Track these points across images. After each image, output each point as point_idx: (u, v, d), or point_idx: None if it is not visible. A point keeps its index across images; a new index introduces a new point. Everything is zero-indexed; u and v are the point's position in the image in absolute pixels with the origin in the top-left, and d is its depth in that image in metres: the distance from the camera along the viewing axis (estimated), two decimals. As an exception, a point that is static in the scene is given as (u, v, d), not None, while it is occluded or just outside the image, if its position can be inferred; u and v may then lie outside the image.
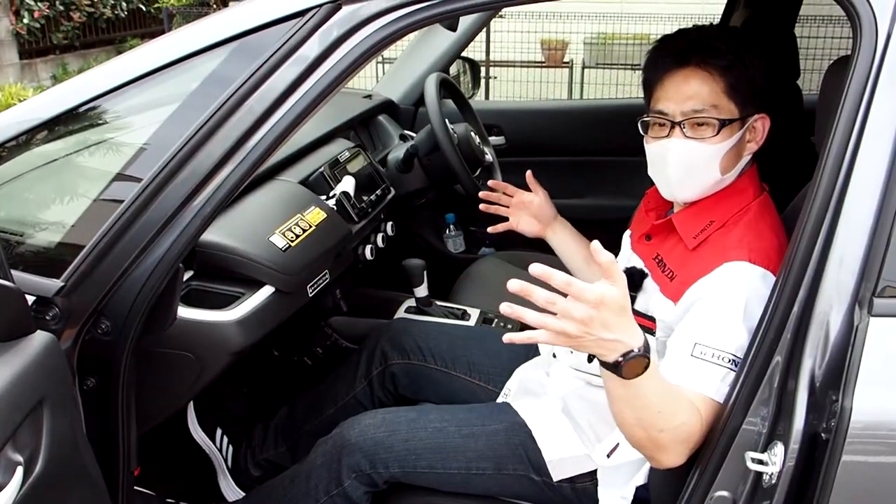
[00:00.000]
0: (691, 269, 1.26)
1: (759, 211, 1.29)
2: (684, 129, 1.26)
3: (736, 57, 1.24)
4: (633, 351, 1.02)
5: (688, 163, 1.28)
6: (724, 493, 1.10)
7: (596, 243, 1.01)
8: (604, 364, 1.05)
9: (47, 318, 1.08)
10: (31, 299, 1.07)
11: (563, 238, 1.70)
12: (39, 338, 0.97)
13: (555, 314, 0.99)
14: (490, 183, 1.75)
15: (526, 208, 1.70)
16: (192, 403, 1.79)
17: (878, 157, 1.01)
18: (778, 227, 1.28)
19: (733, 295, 1.18)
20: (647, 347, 1.04)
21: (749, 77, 1.25)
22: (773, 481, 1.02)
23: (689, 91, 1.25)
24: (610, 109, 2.90)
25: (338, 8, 1.13)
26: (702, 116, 1.25)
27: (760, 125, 1.29)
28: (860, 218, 1.01)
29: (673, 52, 1.27)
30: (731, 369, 1.15)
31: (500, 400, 1.60)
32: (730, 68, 1.24)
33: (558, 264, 2.35)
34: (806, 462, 1.00)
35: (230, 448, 1.81)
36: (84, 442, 1.08)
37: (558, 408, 1.47)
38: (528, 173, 1.70)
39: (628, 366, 1.03)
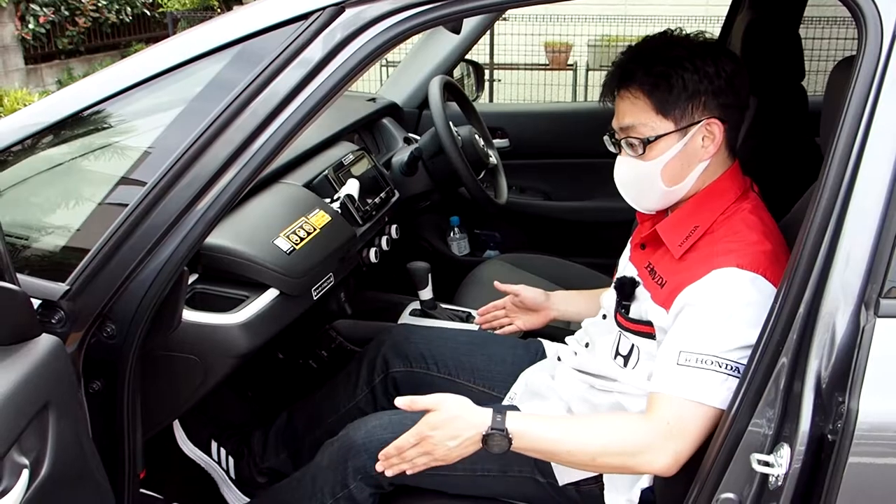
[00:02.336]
0: (681, 276, 1.26)
1: (748, 214, 1.28)
2: (623, 148, 1.32)
3: (658, 76, 1.26)
4: (484, 432, 1.21)
5: (629, 179, 1.35)
6: (730, 496, 1.09)
7: (399, 401, 1.25)
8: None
9: (53, 321, 1.08)
10: (36, 303, 1.07)
11: (564, 308, 1.73)
12: (45, 341, 0.98)
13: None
14: (478, 314, 1.79)
15: (520, 308, 1.73)
16: (176, 422, 1.78)
17: (884, 157, 1.01)
18: (769, 229, 1.27)
19: (719, 300, 1.19)
20: (496, 418, 1.22)
21: (677, 92, 1.25)
22: (780, 483, 1.01)
23: (622, 111, 1.31)
24: (613, 111, 2.90)
25: (341, 11, 1.14)
26: (631, 137, 1.29)
27: (716, 129, 1.27)
28: (866, 218, 1.01)
29: (608, 77, 1.33)
30: (718, 371, 1.17)
31: (506, 403, 1.60)
32: (652, 89, 1.26)
33: (562, 266, 2.37)
34: (812, 464, 1.00)
35: (230, 459, 1.80)
36: (89, 445, 1.08)
37: (563, 410, 1.47)
38: (496, 283, 1.76)
39: (493, 443, 1.21)
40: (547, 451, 1.25)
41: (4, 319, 0.93)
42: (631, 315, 1.36)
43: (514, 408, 1.52)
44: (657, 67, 1.26)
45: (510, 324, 1.73)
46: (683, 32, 1.33)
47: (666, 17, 6.27)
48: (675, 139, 1.27)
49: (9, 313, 0.93)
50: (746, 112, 1.32)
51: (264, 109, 1.14)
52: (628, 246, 1.51)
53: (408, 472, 1.28)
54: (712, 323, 1.19)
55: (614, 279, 1.45)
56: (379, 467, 1.29)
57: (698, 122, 1.26)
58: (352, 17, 1.13)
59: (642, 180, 1.32)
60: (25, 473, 0.90)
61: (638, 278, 1.38)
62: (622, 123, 1.31)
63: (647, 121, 1.27)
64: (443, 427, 1.23)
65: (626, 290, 1.37)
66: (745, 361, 1.14)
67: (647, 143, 1.28)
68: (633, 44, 1.35)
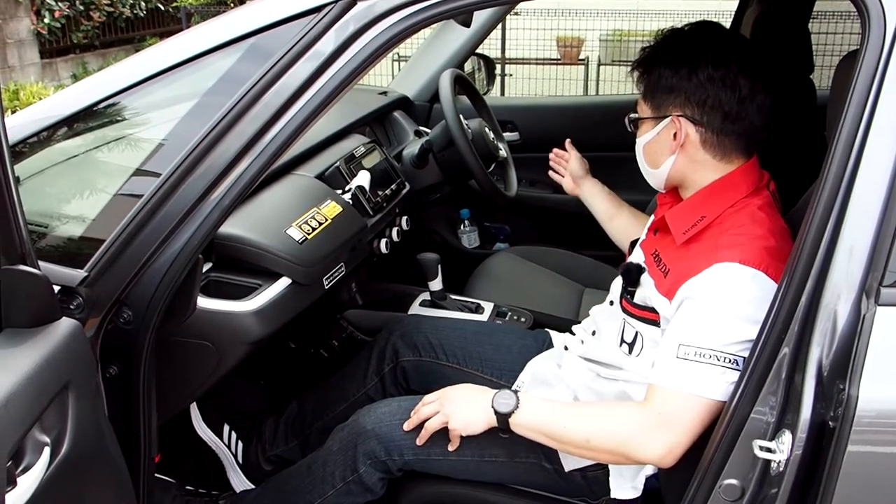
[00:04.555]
0: (684, 266, 1.28)
1: (756, 210, 1.29)
2: None
3: (646, 64, 1.37)
4: (493, 393, 1.35)
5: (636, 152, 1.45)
6: (733, 482, 1.11)
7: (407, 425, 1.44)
8: (501, 421, 1.34)
9: (72, 307, 1.10)
10: (56, 290, 1.09)
11: (590, 194, 1.87)
12: (65, 324, 1.00)
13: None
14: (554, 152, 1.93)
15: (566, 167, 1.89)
16: (194, 403, 1.82)
17: (886, 149, 1.02)
18: (776, 226, 1.28)
19: (719, 294, 1.21)
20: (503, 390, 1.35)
21: (654, 81, 1.35)
22: (781, 469, 1.03)
23: None
24: (624, 105, 2.91)
25: (353, 4, 1.15)
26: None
27: (688, 127, 1.32)
28: (868, 209, 1.02)
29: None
30: (716, 364, 1.19)
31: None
32: (642, 76, 1.39)
33: (571, 258, 2.38)
34: (813, 450, 1.02)
35: (240, 444, 1.83)
36: (107, 427, 1.10)
37: (569, 398, 1.49)
38: (567, 141, 1.90)
39: (502, 401, 1.33)
40: (546, 420, 1.31)
41: (27, 302, 0.96)
42: (636, 300, 1.38)
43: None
44: (650, 56, 1.37)
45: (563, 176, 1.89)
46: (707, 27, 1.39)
47: (678, 12, 6.26)
48: (650, 125, 1.37)
49: (31, 297, 0.96)
50: (740, 119, 1.31)
51: (276, 101, 1.16)
52: (644, 231, 1.53)
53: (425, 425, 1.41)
54: (712, 317, 1.21)
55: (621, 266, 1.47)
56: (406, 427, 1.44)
57: (667, 115, 1.33)
58: (363, 10, 1.15)
59: (637, 155, 1.43)
60: (47, 451, 0.93)
61: (644, 265, 1.40)
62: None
63: (641, 103, 1.40)
64: (460, 390, 1.41)
65: (632, 276, 1.40)
66: (744, 354, 1.16)
67: (631, 121, 1.42)
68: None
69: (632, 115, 1.42)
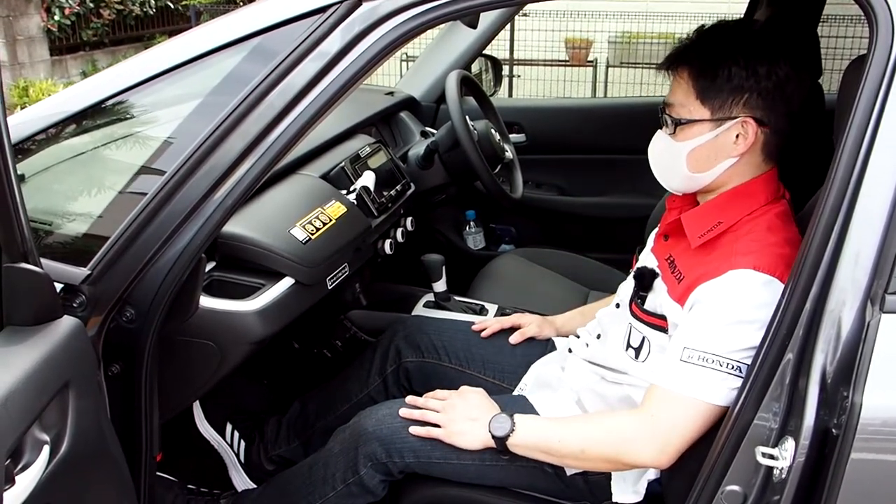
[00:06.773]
0: (698, 272, 1.27)
1: (773, 217, 1.28)
2: (663, 123, 1.34)
3: (706, 63, 1.27)
4: (493, 413, 1.38)
5: (658, 153, 1.38)
6: (736, 488, 1.11)
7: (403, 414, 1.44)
8: (499, 444, 1.35)
9: (74, 305, 1.10)
10: (58, 287, 1.09)
11: (560, 330, 1.76)
12: (67, 322, 1.00)
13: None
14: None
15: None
16: (197, 402, 1.82)
17: (892, 154, 1.01)
18: (792, 236, 1.27)
19: (730, 300, 1.20)
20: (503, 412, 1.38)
21: (720, 83, 1.26)
22: (784, 476, 1.02)
23: (671, 87, 1.34)
24: (631, 107, 2.90)
25: (358, 4, 1.15)
26: (669, 114, 1.32)
27: (751, 129, 1.27)
28: (874, 215, 1.01)
29: (671, 51, 1.35)
30: (719, 370, 1.18)
31: (516, 393, 1.62)
32: (698, 74, 1.28)
33: (576, 261, 2.37)
34: (817, 457, 1.01)
35: (242, 443, 1.83)
36: (108, 426, 1.10)
37: (573, 401, 1.49)
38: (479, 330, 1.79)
39: (498, 424, 1.35)
40: (541, 437, 1.33)
41: (28, 300, 0.96)
42: (646, 306, 1.38)
43: (524, 399, 1.54)
44: (709, 54, 1.28)
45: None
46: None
47: (687, 14, 6.25)
48: (707, 128, 1.28)
49: (33, 295, 0.96)
50: (799, 117, 1.29)
51: (281, 101, 1.16)
52: (652, 237, 1.52)
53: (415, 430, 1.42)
54: (720, 323, 1.20)
55: (633, 269, 1.46)
56: (409, 399, 1.49)
57: (734, 118, 1.27)
58: (368, 10, 1.15)
59: (669, 158, 1.34)
60: (46, 449, 0.93)
61: (657, 270, 1.39)
62: (668, 99, 1.34)
63: (686, 103, 1.29)
64: (469, 405, 1.42)
65: (646, 281, 1.38)
66: (748, 361, 1.15)
67: (678, 123, 1.30)
68: (706, 25, 1.35)
69: (680, 117, 1.29)
